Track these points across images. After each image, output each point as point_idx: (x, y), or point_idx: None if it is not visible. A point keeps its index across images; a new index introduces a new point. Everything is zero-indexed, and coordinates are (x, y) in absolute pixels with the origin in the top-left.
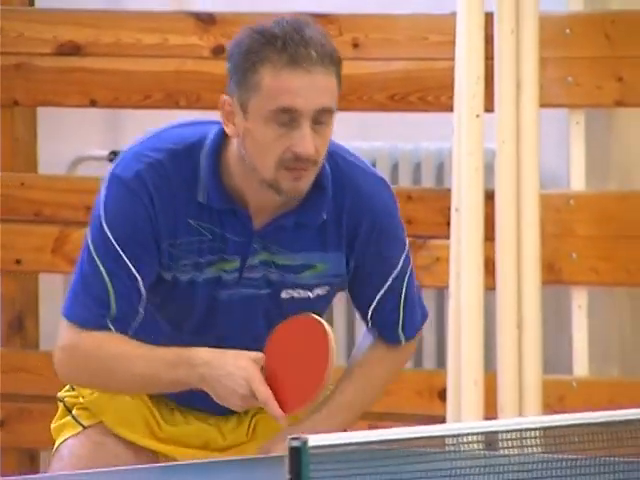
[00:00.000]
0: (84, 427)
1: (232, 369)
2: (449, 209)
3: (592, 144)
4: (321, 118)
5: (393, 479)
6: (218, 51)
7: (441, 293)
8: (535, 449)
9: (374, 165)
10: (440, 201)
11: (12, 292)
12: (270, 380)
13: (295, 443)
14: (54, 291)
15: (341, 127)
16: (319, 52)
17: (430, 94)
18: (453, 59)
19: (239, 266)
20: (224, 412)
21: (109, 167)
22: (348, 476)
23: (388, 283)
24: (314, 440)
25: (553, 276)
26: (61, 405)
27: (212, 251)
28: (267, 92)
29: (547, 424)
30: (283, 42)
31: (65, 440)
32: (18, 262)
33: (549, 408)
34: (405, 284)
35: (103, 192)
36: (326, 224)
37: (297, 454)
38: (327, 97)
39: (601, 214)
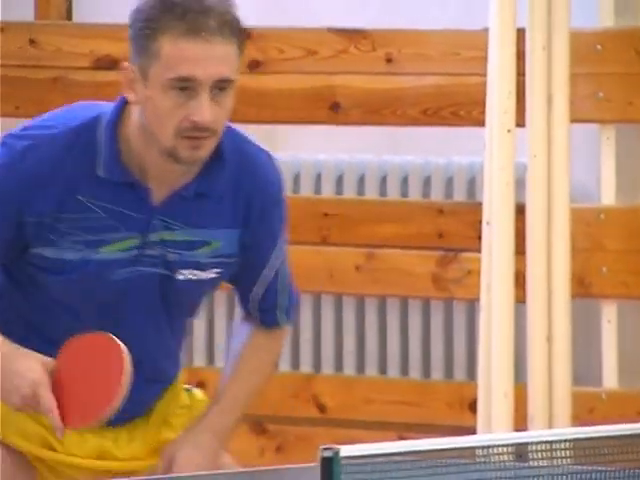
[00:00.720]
0: None
1: (21, 368)
2: (480, 223)
3: (623, 159)
4: (220, 88)
5: None
6: (253, 65)
7: (472, 306)
8: (565, 460)
9: (406, 179)
10: (471, 215)
11: None
12: (57, 389)
13: (327, 453)
14: None
15: (373, 140)
16: (219, 21)
17: (462, 109)
18: (485, 74)
19: (138, 243)
20: (118, 422)
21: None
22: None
23: (270, 263)
24: (346, 451)
25: (583, 290)
26: None
27: (107, 229)
28: (166, 61)
29: (577, 436)
30: (182, 10)
31: None
32: None
33: (578, 420)
34: (284, 266)
35: None
36: (223, 199)
37: (329, 464)
38: (226, 67)
39: (631, 228)
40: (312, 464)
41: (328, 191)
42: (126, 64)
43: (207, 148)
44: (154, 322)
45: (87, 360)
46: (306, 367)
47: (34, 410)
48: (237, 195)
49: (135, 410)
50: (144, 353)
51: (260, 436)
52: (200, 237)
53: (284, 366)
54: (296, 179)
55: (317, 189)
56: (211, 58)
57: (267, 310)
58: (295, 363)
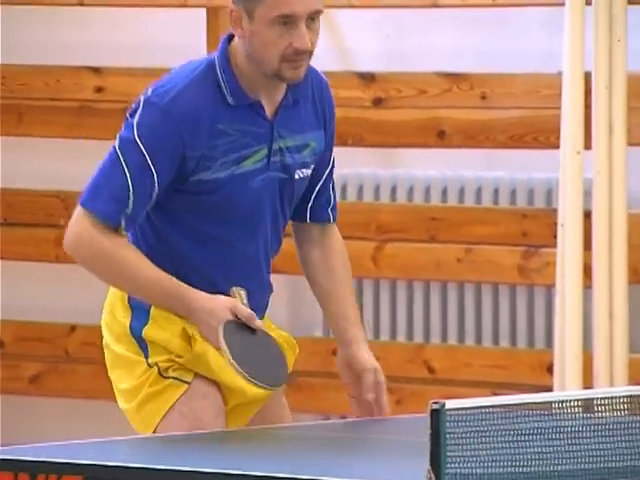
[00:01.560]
0: (188, 383)
1: (216, 308)
2: (556, 225)
3: None
4: (312, 18)
5: (511, 433)
6: (377, 102)
7: (549, 290)
8: (623, 412)
9: (497, 190)
10: (549, 218)
11: None
12: None
13: (435, 406)
14: None
15: (471, 160)
16: None
17: (541, 135)
18: (559, 108)
19: (267, 153)
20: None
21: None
22: (477, 432)
23: (332, 164)
24: (450, 404)
25: (637, 277)
26: (155, 371)
27: (243, 147)
28: (270, 2)
29: (632, 393)
30: None
31: (177, 400)
32: None
33: (634, 380)
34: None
35: (137, 115)
36: (308, 105)
37: (437, 415)
38: (317, 1)
39: None
40: (424, 414)
41: (435, 200)
42: (232, 6)
43: (305, 67)
44: (275, 227)
45: None
46: (418, 338)
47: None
48: (315, 102)
49: (260, 315)
50: (266, 257)
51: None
52: (303, 141)
53: (400, 337)
54: (410, 191)
55: (427, 199)
56: (303, 2)
57: (321, 208)
58: (409, 334)
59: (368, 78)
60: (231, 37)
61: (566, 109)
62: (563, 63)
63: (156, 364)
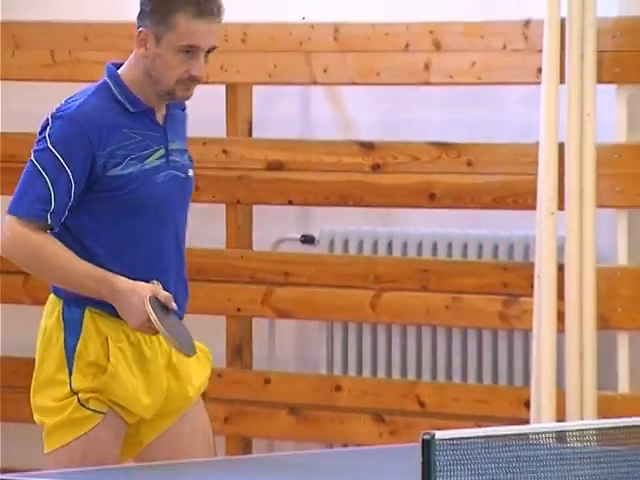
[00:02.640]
0: (104, 414)
1: (130, 286)
2: (533, 276)
3: (632, 234)
4: (209, 51)
5: (493, 461)
6: (375, 167)
7: (527, 334)
8: (592, 443)
9: (481, 246)
10: (527, 271)
11: (234, 330)
12: None
13: (426, 437)
14: (263, 330)
15: (457, 219)
16: (217, 7)
17: (520, 198)
18: (536, 174)
19: (164, 153)
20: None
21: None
22: (462, 459)
23: None
24: (439, 435)
25: (604, 324)
26: (75, 399)
27: (144, 147)
28: (180, 33)
29: (600, 425)
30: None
31: (91, 430)
32: (238, 310)
33: (602, 414)
34: None
35: (48, 129)
36: (178, 119)
37: (428, 444)
38: (217, 39)
39: (638, 281)
40: (416, 444)
41: (427, 254)
42: (141, 28)
43: (193, 90)
44: (182, 223)
45: None
46: (411, 375)
47: (147, 333)
48: (182, 118)
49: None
50: (180, 254)
51: (379, 424)
52: (182, 147)
53: (395, 374)
54: (404, 246)
55: (419, 253)
56: (210, 33)
57: None
58: (403, 372)
59: (368, 146)
60: (116, 66)
61: (542, 175)
62: (539, 134)
63: (76, 393)
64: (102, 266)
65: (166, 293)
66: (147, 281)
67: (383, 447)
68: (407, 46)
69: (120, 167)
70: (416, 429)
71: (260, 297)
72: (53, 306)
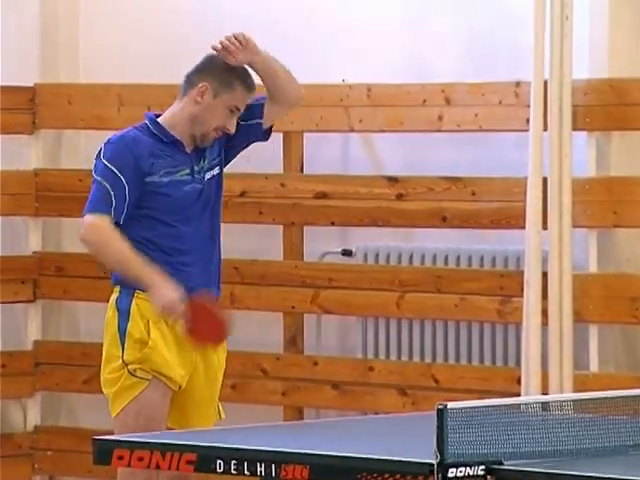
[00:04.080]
0: (149, 380)
1: (165, 285)
2: (523, 282)
3: (601, 247)
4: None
5: (492, 425)
6: (399, 197)
7: (519, 327)
8: (570, 411)
9: (482, 258)
10: (518, 277)
11: (289, 323)
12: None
13: (441, 407)
14: (312, 324)
15: (464, 237)
16: (255, 86)
17: (513, 220)
18: (525, 201)
19: (189, 171)
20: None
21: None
22: (468, 424)
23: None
24: (451, 405)
25: (579, 318)
26: (126, 370)
27: (174, 165)
28: (235, 96)
29: (577, 398)
30: (248, 76)
31: (140, 393)
32: (293, 307)
33: (577, 389)
34: None
35: (102, 153)
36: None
37: (442, 413)
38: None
39: (605, 284)
40: (432, 412)
41: (440, 264)
42: (203, 82)
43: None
44: (209, 224)
45: (204, 310)
46: (428, 359)
47: (169, 315)
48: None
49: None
50: (209, 250)
51: (403, 397)
52: (207, 161)
53: (416, 358)
54: (422, 258)
55: (434, 263)
56: (247, 102)
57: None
58: (422, 357)
59: (393, 180)
60: (156, 116)
61: (530, 202)
62: (528, 170)
63: (127, 365)
64: (144, 252)
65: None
66: (167, 263)
67: (406, 415)
68: (424, 102)
69: (157, 175)
70: (432, 401)
71: (309, 298)
72: (111, 300)
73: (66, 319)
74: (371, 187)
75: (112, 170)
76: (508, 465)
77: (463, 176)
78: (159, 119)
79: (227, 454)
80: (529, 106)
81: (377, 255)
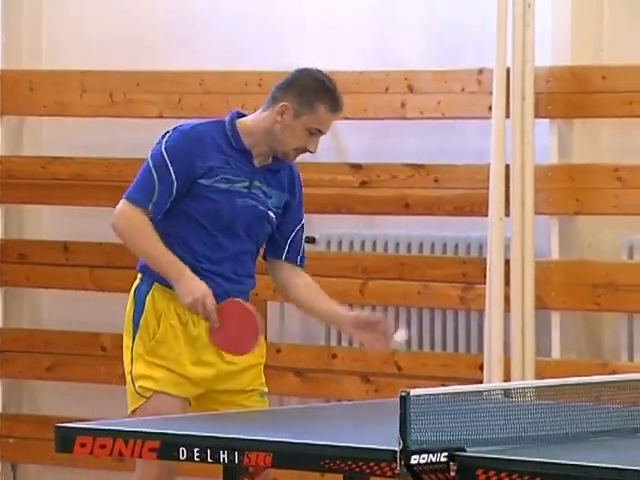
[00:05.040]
0: (147, 398)
1: (194, 281)
2: (485, 269)
3: (562, 234)
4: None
5: (454, 412)
6: (363, 184)
7: (481, 314)
8: (532, 398)
9: (445, 245)
10: (481, 264)
11: None
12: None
13: (404, 394)
14: (275, 311)
15: (427, 224)
16: (342, 107)
17: (476, 207)
18: (488, 188)
19: (247, 185)
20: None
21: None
22: (430, 411)
23: (302, 222)
24: (414, 392)
25: (541, 305)
26: (130, 379)
27: (235, 174)
28: (316, 118)
29: (539, 384)
30: (333, 95)
31: (147, 403)
32: (256, 294)
33: (539, 375)
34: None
35: (167, 136)
36: (284, 176)
37: (405, 400)
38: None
39: (567, 271)
40: (395, 399)
41: (403, 251)
42: (285, 101)
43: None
44: (249, 244)
45: (235, 314)
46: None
47: (197, 311)
48: (290, 177)
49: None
50: (240, 264)
51: (366, 383)
52: (271, 193)
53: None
54: (385, 245)
55: (397, 250)
56: (332, 124)
57: (297, 255)
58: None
59: (357, 167)
60: (239, 115)
61: (493, 189)
62: (490, 158)
63: (132, 377)
64: (171, 247)
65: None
66: (192, 267)
67: (369, 402)
68: (387, 89)
69: (212, 180)
70: (395, 388)
71: (273, 285)
72: (133, 288)
73: (28, 306)
74: (335, 174)
75: (166, 161)
76: (470, 452)
77: (426, 163)
78: (239, 121)
79: (190, 441)
80: (492, 93)
81: (340, 242)
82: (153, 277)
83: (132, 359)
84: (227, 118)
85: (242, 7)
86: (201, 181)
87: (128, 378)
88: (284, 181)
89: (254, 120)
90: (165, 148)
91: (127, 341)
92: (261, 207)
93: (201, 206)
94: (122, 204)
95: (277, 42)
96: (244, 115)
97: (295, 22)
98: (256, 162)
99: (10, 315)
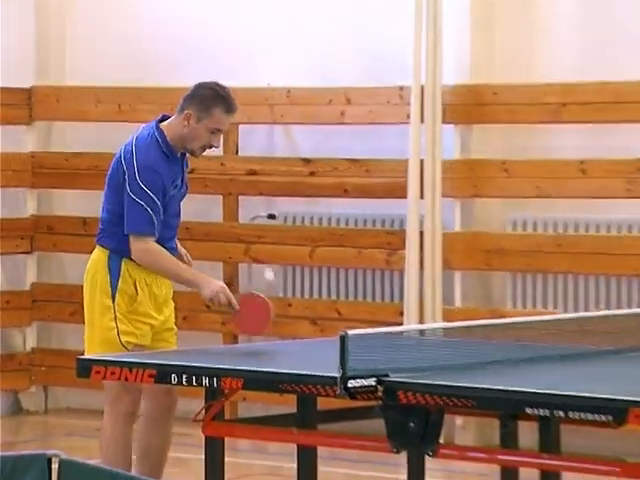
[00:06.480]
0: (128, 350)
1: (209, 278)
2: (405, 239)
3: (463, 211)
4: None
5: (382, 347)
6: (312, 174)
7: (402, 273)
8: (440, 336)
9: (375, 221)
10: (402, 235)
11: (229, 270)
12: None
13: (343, 334)
14: (245, 271)
15: (364, 205)
16: (236, 108)
17: (398, 192)
18: (407, 177)
19: (180, 179)
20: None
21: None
22: (364, 346)
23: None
24: (351, 333)
25: (447, 266)
26: (117, 341)
27: (175, 177)
28: (214, 120)
29: (445, 326)
30: (227, 100)
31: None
32: (230, 258)
33: (446, 319)
34: None
35: (137, 175)
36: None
37: (343, 339)
38: (228, 125)
39: (467, 241)
40: (336, 338)
41: (342, 225)
42: (189, 109)
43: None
44: (178, 224)
45: (249, 303)
46: (334, 296)
47: (218, 303)
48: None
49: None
50: (175, 236)
51: (314, 326)
52: (184, 177)
53: (324, 296)
54: (329, 220)
55: (338, 224)
56: (229, 122)
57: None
58: (329, 295)
59: (307, 161)
60: (162, 119)
61: (410, 178)
62: (409, 154)
63: (119, 336)
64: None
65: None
66: (171, 246)
67: (316, 340)
68: (330, 101)
69: (170, 189)
70: (336, 329)
71: (243, 251)
72: (100, 258)
73: (55, 266)
74: (290, 166)
75: (148, 194)
76: (393, 377)
77: (360, 158)
78: (163, 127)
79: (179, 370)
80: (410, 105)
81: (294, 218)
82: (122, 253)
83: (115, 317)
84: (155, 131)
85: (223, 36)
86: (166, 194)
87: (113, 333)
88: (185, 159)
89: (169, 127)
90: (144, 184)
91: (106, 301)
92: (184, 188)
93: (164, 207)
94: (135, 241)
95: (243, 64)
96: (165, 117)
97: (262, 47)
98: (178, 156)
99: (42, 273)
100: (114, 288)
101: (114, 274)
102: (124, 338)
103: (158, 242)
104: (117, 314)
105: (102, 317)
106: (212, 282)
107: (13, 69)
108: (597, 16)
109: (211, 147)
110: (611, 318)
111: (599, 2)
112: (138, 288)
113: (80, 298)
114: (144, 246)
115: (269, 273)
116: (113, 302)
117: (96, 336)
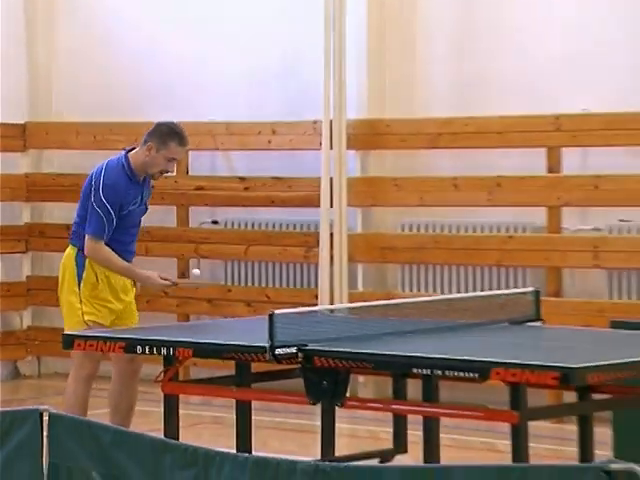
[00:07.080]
0: (89, 326)
1: (152, 273)
2: (319, 239)
3: (363, 217)
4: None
5: (302, 322)
6: (246, 188)
7: (317, 266)
8: (348, 315)
9: (295, 225)
10: (316, 236)
11: (182, 265)
12: None
13: (270, 312)
14: (195, 265)
15: (283, 214)
16: (188, 141)
17: (314, 202)
18: (321, 191)
19: (139, 199)
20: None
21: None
22: (287, 322)
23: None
24: (276, 312)
25: (352, 260)
26: (82, 319)
27: (134, 198)
28: (170, 151)
29: (352, 306)
30: (180, 135)
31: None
32: (182, 255)
33: (351, 301)
34: None
35: (101, 191)
36: (146, 181)
37: (271, 317)
38: (184, 155)
39: (367, 240)
40: (266, 316)
41: (271, 228)
42: (150, 142)
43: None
44: (138, 227)
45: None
46: (263, 284)
47: (153, 285)
48: (147, 183)
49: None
50: (135, 240)
51: (249, 308)
52: (144, 195)
53: (256, 284)
54: (259, 225)
55: (267, 227)
56: (183, 153)
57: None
58: (260, 283)
59: (242, 179)
60: (129, 150)
61: (323, 192)
62: (322, 173)
63: (83, 316)
64: (116, 246)
65: (164, 276)
66: (130, 250)
67: (250, 318)
68: (260, 132)
69: (127, 206)
70: (266, 309)
71: (193, 249)
72: (70, 254)
73: (46, 262)
74: (229, 183)
75: (107, 207)
76: (311, 346)
77: (284, 176)
78: (130, 156)
79: (143, 342)
80: (322, 135)
81: (233, 223)
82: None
83: (81, 301)
84: (123, 158)
85: (176, 80)
86: (124, 210)
87: (78, 313)
88: (146, 184)
89: (135, 156)
90: (105, 199)
91: (74, 288)
92: (142, 206)
93: (123, 220)
94: (89, 240)
95: (197, 102)
96: (134, 148)
97: (207, 89)
98: (140, 180)
99: (35, 268)
100: (80, 278)
101: (80, 267)
102: (86, 317)
103: (118, 244)
104: (82, 298)
105: (71, 300)
106: (145, 272)
107: (10, 109)
108: (465, 61)
109: (167, 172)
110: (475, 299)
111: (466, 48)
112: (99, 279)
113: None
114: (95, 246)
115: (196, 270)
116: (79, 289)
117: (66, 314)
